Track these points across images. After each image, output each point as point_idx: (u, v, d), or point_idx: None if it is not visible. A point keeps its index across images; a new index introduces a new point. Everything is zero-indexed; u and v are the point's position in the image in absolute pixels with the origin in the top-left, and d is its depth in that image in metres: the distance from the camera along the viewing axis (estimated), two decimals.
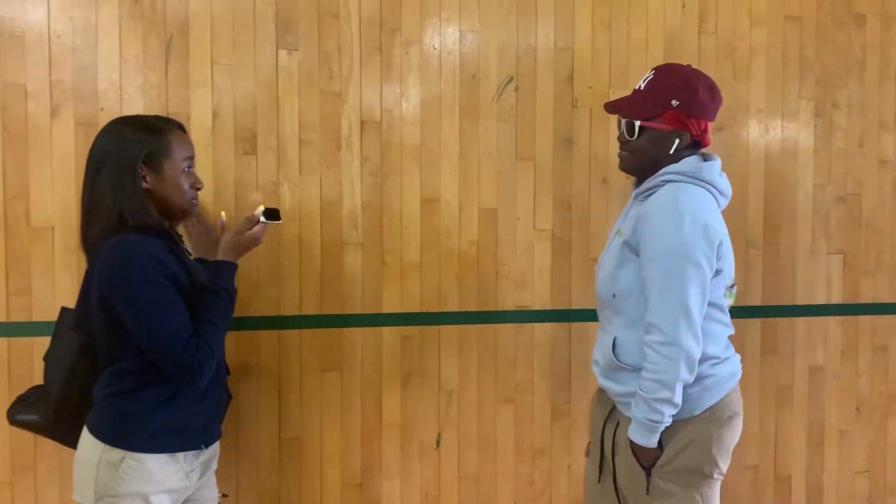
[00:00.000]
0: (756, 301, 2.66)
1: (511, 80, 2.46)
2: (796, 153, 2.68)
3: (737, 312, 2.61)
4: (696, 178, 1.78)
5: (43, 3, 2.19)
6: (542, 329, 2.52)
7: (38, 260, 2.21)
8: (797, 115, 2.67)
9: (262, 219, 1.85)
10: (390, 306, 2.43)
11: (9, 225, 2.20)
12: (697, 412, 1.78)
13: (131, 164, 1.69)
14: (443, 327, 2.47)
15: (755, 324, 2.68)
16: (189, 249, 1.92)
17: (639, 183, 1.88)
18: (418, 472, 2.48)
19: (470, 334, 2.49)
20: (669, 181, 1.78)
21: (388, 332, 2.44)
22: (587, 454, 2.05)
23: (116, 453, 1.67)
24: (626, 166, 1.88)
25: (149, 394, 1.71)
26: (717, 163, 1.85)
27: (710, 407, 1.79)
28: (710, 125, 1.84)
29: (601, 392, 2.01)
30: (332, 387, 2.41)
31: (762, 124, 2.65)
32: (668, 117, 1.78)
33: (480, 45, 2.43)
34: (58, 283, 2.22)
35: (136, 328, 1.64)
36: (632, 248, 1.79)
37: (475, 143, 2.45)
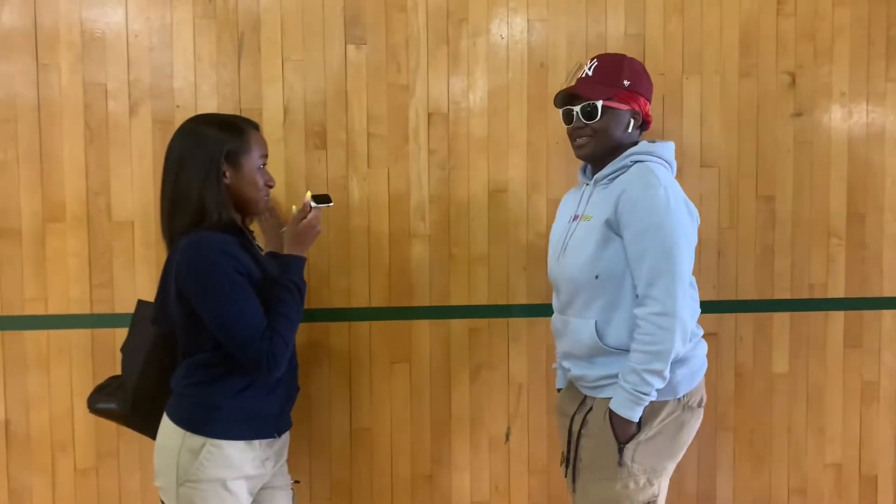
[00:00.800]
0: (839, 293, 2.55)
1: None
2: (883, 138, 2.55)
3: (817, 304, 2.54)
4: (660, 157, 1.87)
5: (121, 4, 2.26)
6: None
7: (119, 254, 2.29)
8: (884, 98, 2.54)
9: (313, 203, 1.88)
10: (458, 298, 2.42)
11: (91, 220, 2.28)
12: (679, 394, 1.83)
13: (215, 160, 1.75)
14: (511, 320, 2.45)
15: (838, 316, 2.56)
16: (261, 245, 1.96)
17: (594, 170, 1.93)
18: (488, 465, 2.47)
19: (539, 327, 2.46)
20: (638, 161, 1.85)
21: (456, 325, 2.43)
22: (562, 463, 2.02)
23: (197, 440, 1.72)
24: (587, 153, 1.90)
25: (226, 384, 1.75)
26: (672, 144, 1.93)
27: (689, 392, 1.85)
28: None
29: (568, 391, 2.01)
30: (401, 379, 2.42)
31: (845, 108, 2.53)
32: (622, 97, 1.86)
33: (549, 33, 2.40)
34: (138, 276, 2.29)
35: (212, 322, 1.69)
36: (613, 227, 1.79)
37: (543, 133, 2.42)
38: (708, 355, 2.48)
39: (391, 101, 2.36)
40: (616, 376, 1.81)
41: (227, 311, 1.67)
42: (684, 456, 2.49)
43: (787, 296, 2.53)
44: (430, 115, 2.38)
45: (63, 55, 2.24)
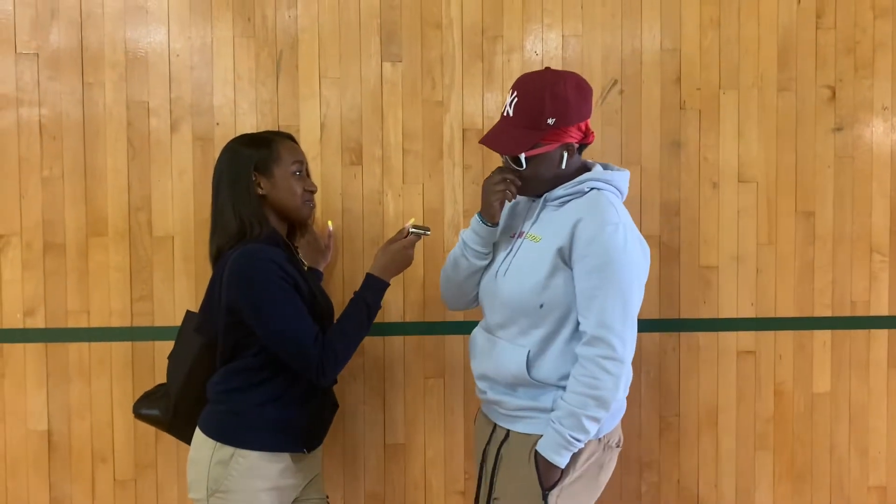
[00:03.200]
0: (882, 311, 2.49)
1: (615, 83, 2.41)
2: None
3: (860, 322, 2.48)
4: (616, 188, 1.79)
5: (163, 24, 2.31)
6: (650, 339, 2.44)
7: (159, 268, 2.33)
8: None
9: (411, 229, 1.90)
10: None
11: (133, 235, 2.33)
12: (602, 434, 1.77)
13: (245, 174, 1.79)
14: None
15: (881, 334, 2.51)
16: (303, 259, 2.00)
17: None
18: None
19: None
20: (595, 188, 1.76)
21: None
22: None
23: (226, 450, 1.75)
24: (525, 195, 1.83)
25: (256, 393, 1.79)
26: (628, 173, 1.85)
27: (609, 432, 1.79)
28: (589, 121, 1.79)
29: (481, 416, 1.94)
30: (435, 394, 2.42)
31: (888, 122, 2.48)
32: (549, 137, 1.71)
33: (584, 48, 2.40)
34: (178, 290, 2.33)
35: (264, 330, 1.72)
36: (564, 257, 1.70)
37: None
38: (746, 373, 2.47)
39: (426, 118, 2.38)
40: (538, 409, 1.73)
41: (278, 319, 1.71)
42: (722, 475, 2.47)
43: (827, 313, 2.48)
44: (464, 131, 2.39)
45: (107, 74, 2.30)
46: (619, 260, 1.65)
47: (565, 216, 1.73)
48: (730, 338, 2.47)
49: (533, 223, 1.80)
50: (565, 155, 1.75)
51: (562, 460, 1.68)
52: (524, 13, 2.38)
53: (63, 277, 2.31)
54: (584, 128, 1.77)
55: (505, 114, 1.77)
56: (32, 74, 2.29)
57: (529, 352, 1.73)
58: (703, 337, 2.46)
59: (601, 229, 1.66)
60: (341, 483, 2.41)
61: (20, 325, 2.31)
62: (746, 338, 2.47)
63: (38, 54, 2.29)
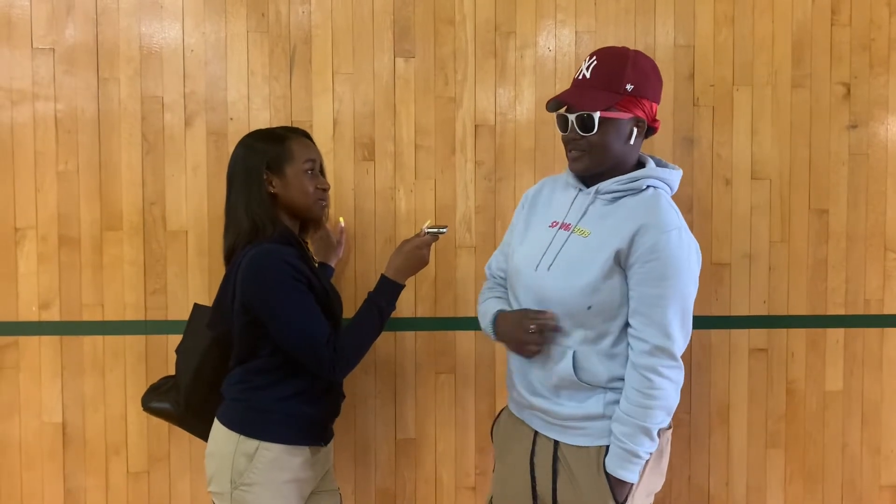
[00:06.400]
0: None
1: None
2: None
3: (873, 321, 2.47)
4: (672, 189, 1.74)
5: (178, 19, 2.33)
6: None
7: (173, 262, 2.35)
8: None
9: (426, 229, 1.92)
10: None
11: (147, 229, 2.34)
12: None
13: (257, 172, 1.80)
14: None
15: (895, 333, 2.49)
16: (314, 255, 2.01)
17: (590, 178, 1.73)
18: None
19: None
20: (652, 186, 1.68)
21: None
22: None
23: (251, 443, 1.76)
24: (583, 167, 1.69)
25: (278, 389, 1.80)
26: (681, 172, 1.79)
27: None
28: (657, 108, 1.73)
29: (510, 418, 1.84)
30: (446, 389, 2.43)
31: None
32: (624, 103, 1.64)
33: (597, 45, 2.39)
34: (191, 284, 2.35)
35: (278, 329, 1.73)
36: (621, 260, 1.62)
37: None
38: (758, 371, 2.46)
39: (438, 114, 2.38)
40: (587, 417, 1.66)
41: (291, 319, 1.72)
42: (733, 473, 2.47)
43: (840, 311, 2.47)
44: (476, 127, 2.39)
45: (122, 69, 2.32)
46: (682, 268, 1.60)
47: (621, 215, 1.65)
48: (742, 335, 2.46)
49: (582, 216, 1.71)
50: (635, 131, 1.67)
51: (634, 476, 1.62)
52: (537, 9, 2.37)
53: (78, 271, 2.33)
54: (654, 110, 1.71)
55: (580, 77, 1.69)
56: (48, 69, 2.30)
57: (575, 352, 1.66)
58: (715, 334, 2.45)
59: (664, 235, 1.59)
60: (352, 477, 2.42)
61: (35, 318, 2.33)
62: (758, 335, 2.46)
63: (53, 49, 2.30)
